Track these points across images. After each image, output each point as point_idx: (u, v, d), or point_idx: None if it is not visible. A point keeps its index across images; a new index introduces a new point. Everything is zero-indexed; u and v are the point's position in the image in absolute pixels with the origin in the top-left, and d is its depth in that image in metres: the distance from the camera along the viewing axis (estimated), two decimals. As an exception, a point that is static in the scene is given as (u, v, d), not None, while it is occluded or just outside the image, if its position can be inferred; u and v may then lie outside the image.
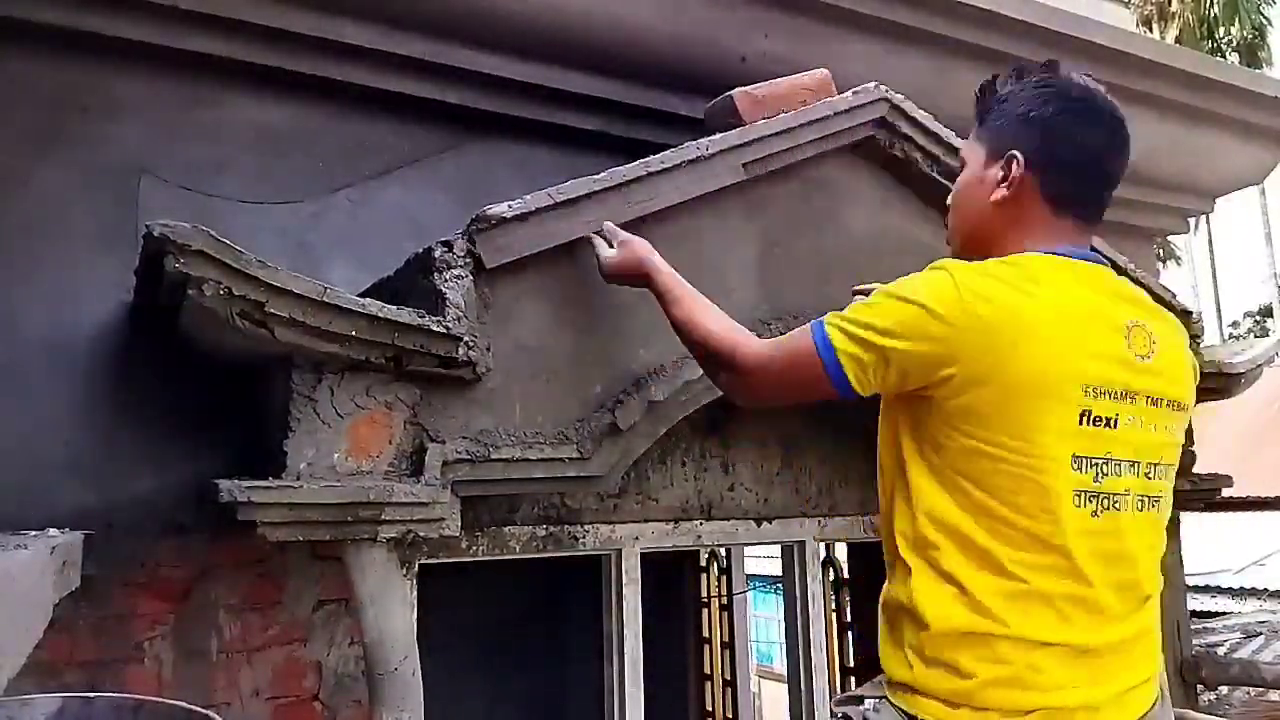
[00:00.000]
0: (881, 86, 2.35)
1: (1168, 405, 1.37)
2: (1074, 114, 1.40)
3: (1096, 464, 1.29)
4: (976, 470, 1.29)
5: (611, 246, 1.90)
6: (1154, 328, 1.37)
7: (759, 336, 2.14)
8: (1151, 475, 1.36)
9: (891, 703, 1.35)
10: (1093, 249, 1.45)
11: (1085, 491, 1.28)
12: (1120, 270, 2.21)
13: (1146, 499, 1.35)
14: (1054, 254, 1.37)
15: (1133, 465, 1.33)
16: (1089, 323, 1.31)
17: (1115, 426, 1.30)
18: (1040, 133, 1.40)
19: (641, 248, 1.84)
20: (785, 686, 3.10)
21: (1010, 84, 1.46)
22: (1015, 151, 1.40)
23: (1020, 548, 1.27)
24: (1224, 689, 4.18)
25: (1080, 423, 1.27)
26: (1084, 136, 1.39)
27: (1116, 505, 1.31)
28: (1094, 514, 1.29)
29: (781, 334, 2.16)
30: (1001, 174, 1.42)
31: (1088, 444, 1.28)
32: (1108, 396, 1.29)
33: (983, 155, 1.47)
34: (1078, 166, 1.40)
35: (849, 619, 3.77)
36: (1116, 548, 1.31)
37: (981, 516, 1.29)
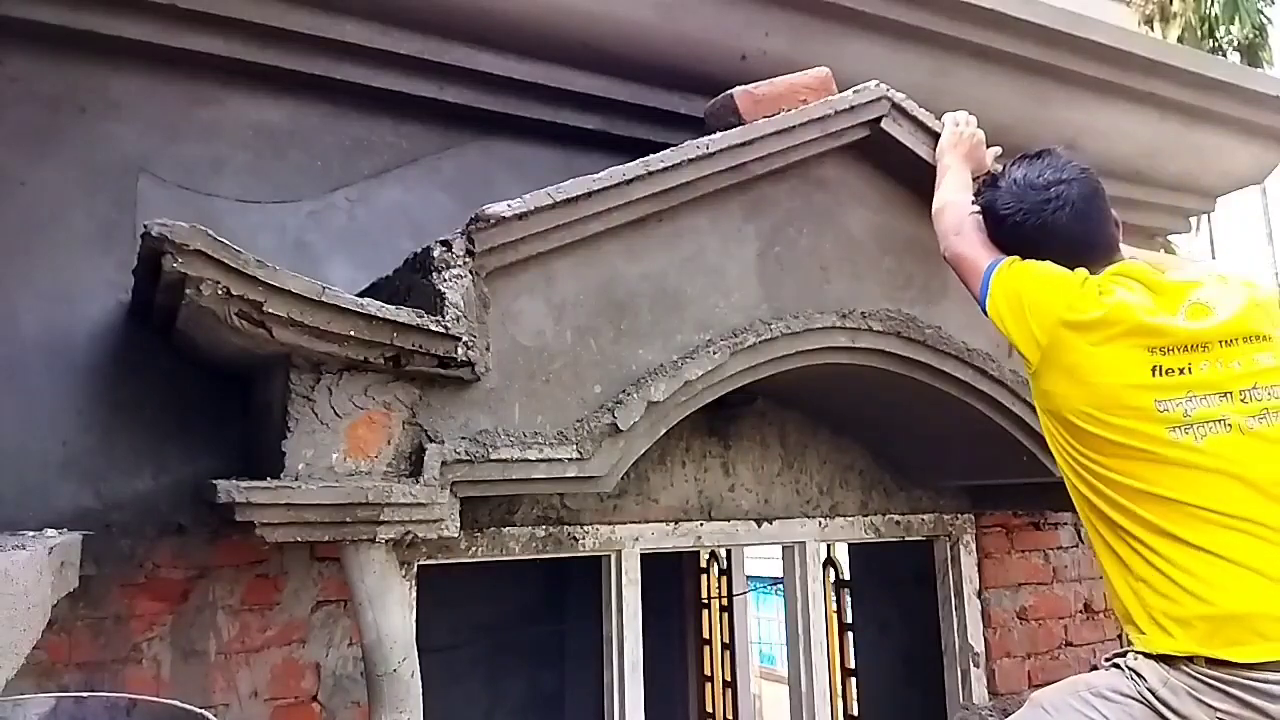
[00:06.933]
0: (882, 85, 2.34)
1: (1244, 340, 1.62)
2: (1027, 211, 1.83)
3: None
4: None
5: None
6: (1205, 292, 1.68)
7: (760, 337, 2.17)
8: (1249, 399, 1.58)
9: None
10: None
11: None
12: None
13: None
14: None
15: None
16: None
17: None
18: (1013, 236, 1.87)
19: (970, 145, 2.32)
20: (787, 688, 3.09)
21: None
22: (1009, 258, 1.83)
23: None
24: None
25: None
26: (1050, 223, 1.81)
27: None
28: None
29: (783, 334, 2.18)
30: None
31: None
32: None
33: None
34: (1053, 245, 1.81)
35: (849, 619, 3.76)
36: None
37: None
